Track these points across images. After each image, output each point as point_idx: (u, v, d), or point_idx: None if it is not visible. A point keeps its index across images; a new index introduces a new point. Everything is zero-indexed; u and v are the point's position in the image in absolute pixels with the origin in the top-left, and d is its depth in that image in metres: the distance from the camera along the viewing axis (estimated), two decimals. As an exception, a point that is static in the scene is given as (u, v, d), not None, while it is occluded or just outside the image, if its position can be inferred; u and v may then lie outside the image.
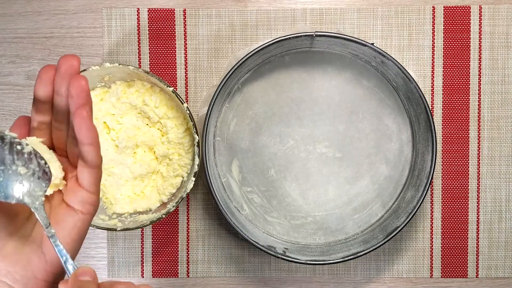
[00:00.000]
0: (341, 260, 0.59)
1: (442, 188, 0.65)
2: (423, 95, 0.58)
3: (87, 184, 0.40)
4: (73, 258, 0.40)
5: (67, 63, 0.38)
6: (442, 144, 0.65)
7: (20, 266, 0.38)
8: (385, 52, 0.58)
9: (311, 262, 0.59)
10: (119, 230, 0.57)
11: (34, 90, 0.40)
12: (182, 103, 0.56)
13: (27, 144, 0.39)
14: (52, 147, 0.42)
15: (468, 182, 0.65)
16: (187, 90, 0.65)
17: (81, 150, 0.38)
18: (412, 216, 0.59)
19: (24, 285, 0.38)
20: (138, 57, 0.65)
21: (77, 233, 0.40)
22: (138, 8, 0.65)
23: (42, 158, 0.39)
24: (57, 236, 0.38)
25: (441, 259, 0.66)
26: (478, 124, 0.65)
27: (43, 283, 0.39)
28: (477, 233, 0.66)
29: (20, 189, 0.37)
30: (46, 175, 0.39)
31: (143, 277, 0.66)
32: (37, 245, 0.39)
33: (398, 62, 0.58)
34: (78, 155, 0.39)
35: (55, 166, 0.40)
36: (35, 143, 0.40)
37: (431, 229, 0.66)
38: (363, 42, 0.57)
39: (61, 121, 0.41)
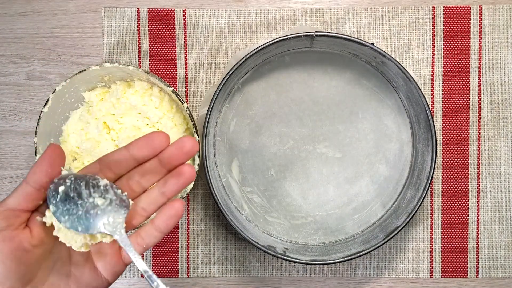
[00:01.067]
0: (341, 260, 0.59)
1: (442, 188, 0.65)
2: (423, 95, 0.58)
3: (128, 259, 0.40)
4: None
5: (192, 144, 0.39)
6: (442, 144, 0.65)
7: None
8: (385, 52, 0.58)
9: (311, 262, 0.59)
10: (119, 230, 0.57)
11: (136, 148, 0.39)
12: (182, 103, 0.56)
13: (102, 179, 0.39)
14: None
15: (468, 182, 0.65)
16: (187, 90, 0.65)
17: (148, 232, 0.40)
18: (412, 216, 0.59)
19: None
20: (138, 57, 0.65)
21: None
22: (138, 8, 0.65)
23: (118, 188, 0.39)
24: None
25: (441, 259, 0.66)
26: (478, 124, 0.65)
27: None
28: (477, 233, 0.66)
29: (100, 219, 0.38)
30: (123, 202, 0.39)
31: (143, 277, 0.66)
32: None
33: (398, 62, 0.58)
34: (139, 233, 0.40)
35: None
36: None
37: (431, 229, 0.66)
38: (363, 42, 0.57)
39: (140, 183, 0.41)
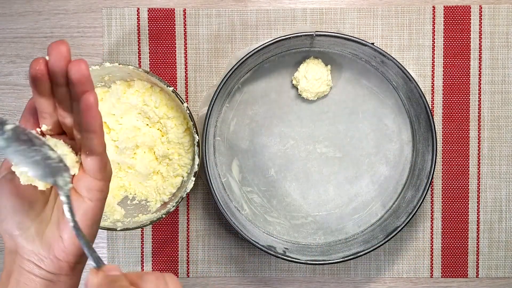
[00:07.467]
0: (341, 260, 0.59)
1: (442, 188, 0.65)
2: (423, 95, 0.58)
3: (91, 171, 0.40)
4: (91, 242, 0.41)
5: (55, 51, 0.37)
6: (442, 143, 0.65)
7: (43, 248, 0.40)
8: (385, 52, 0.58)
9: (311, 262, 0.59)
10: (119, 230, 0.57)
11: (31, 86, 0.39)
12: (182, 103, 0.56)
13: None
14: (61, 133, 0.42)
15: (468, 182, 0.65)
16: (187, 90, 0.65)
17: (85, 137, 0.39)
18: (412, 216, 0.59)
19: (48, 265, 0.40)
20: (138, 57, 0.65)
21: (90, 219, 0.41)
22: (138, 8, 0.65)
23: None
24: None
25: (441, 259, 0.66)
26: (478, 124, 0.65)
27: (65, 264, 0.40)
28: (477, 233, 0.65)
29: (55, 171, 0.38)
30: (67, 166, 0.40)
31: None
32: (56, 230, 0.40)
33: (398, 62, 0.58)
34: (82, 143, 0.40)
35: (71, 158, 0.41)
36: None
37: (431, 229, 0.66)
38: (363, 41, 0.57)
39: (66, 110, 0.40)
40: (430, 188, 0.64)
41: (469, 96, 0.65)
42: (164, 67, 0.65)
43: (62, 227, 0.40)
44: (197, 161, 0.57)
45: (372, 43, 0.58)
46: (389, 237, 0.59)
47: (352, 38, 0.57)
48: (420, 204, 0.59)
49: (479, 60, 0.65)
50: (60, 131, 0.42)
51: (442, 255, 0.66)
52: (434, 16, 0.65)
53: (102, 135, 0.39)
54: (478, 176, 0.65)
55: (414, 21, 0.65)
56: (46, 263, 0.40)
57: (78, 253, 0.41)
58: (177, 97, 0.56)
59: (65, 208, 0.38)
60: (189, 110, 0.56)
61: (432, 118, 0.58)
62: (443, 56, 0.65)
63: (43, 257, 0.40)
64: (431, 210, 0.65)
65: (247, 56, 0.57)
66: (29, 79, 0.39)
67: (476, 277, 0.66)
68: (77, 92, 0.38)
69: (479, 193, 0.65)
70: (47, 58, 0.38)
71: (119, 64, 0.56)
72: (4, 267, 0.41)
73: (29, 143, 0.37)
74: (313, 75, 0.61)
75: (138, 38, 0.65)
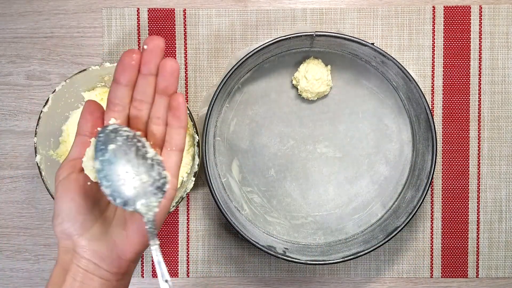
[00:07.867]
0: (341, 260, 0.59)
1: (442, 188, 0.65)
2: (423, 95, 0.58)
3: (170, 167, 0.40)
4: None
5: (153, 42, 0.39)
6: (442, 144, 0.65)
7: (105, 247, 0.40)
8: (385, 52, 0.58)
9: (311, 262, 0.59)
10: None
11: (116, 75, 0.39)
12: (182, 103, 0.56)
13: (149, 146, 0.39)
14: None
15: (468, 182, 0.65)
16: (187, 90, 0.65)
17: (172, 132, 0.40)
18: (412, 216, 0.59)
19: (109, 264, 0.40)
20: (138, 57, 0.65)
21: (161, 219, 0.41)
22: (138, 8, 0.65)
23: (161, 165, 0.39)
24: (139, 222, 0.39)
25: (441, 259, 0.66)
26: (478, 124, 0.65)
27: (125, 262, 0.40)
28: (477, 233, 0.65)
29: (139, 197, 0.37)
30: (164, 185, 0.38)
31: (143, 277, 0.66)
32: (121, 228, 0.40)
33: (398, 62, 0.58)
34: (166, 138, 0.41)
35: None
36: None
37: (431, 229, 0.66)
38: (363, 42, 0.57)
39: (142, 101, 0.40)
40: (430, 188, 0.64)
41: (469, 96, 0.65)
42: (164, 67, 0.65)
43: (128, 224, 0.40)
44: (197, 161, 0.57)
45: (372, 43, 0.58)
46: (389, 237, 0.59)
47: (352, 38, 0.57)
48: (420, 204, 0.59)
49: (479, 60, 0.65)
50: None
51: (442, 255, 0.66)
52: (434, 16, 0.65)
53: (186, 132, 0.41)
54: (478, 176, 0.65)
55: (414, 21, 0.65)
56: (107, 262, 0.40)
57: (140, 250, 0.41)
58: (177, 97, 0.56)
59: (149, 232, 0.37)
60: (189, 110, 0.56)
61: (432, 118, 0.58)
62: (443, 56, 0.65)
63: (105, 256, 0.40)
64: (431, 210, 0.65)
65: (247, 56, 0.57)
66: (117, 67, 0.39)
67: (476, 277, 0.66)
68: (164, 85, 0.40)
69: (479, 193, 0.65)
70: (145, 47, 0.39)
71: (119, 64, 0.56)
72: (58, 263, 0.40)
73: (124, 164, 0.38)
74: (313, 75, 0.60)
75: (138, 38, 0.65)
